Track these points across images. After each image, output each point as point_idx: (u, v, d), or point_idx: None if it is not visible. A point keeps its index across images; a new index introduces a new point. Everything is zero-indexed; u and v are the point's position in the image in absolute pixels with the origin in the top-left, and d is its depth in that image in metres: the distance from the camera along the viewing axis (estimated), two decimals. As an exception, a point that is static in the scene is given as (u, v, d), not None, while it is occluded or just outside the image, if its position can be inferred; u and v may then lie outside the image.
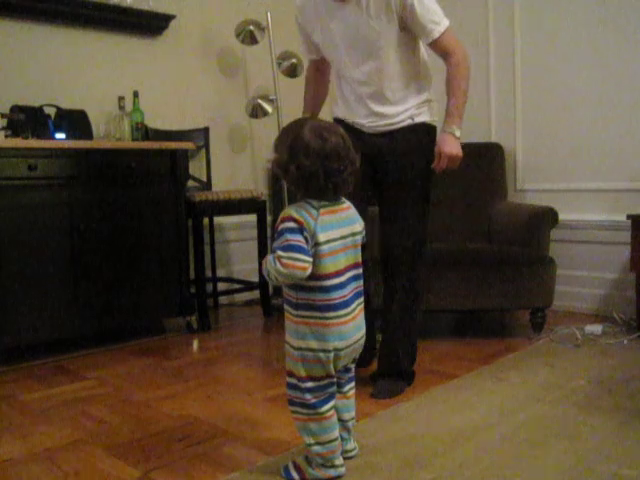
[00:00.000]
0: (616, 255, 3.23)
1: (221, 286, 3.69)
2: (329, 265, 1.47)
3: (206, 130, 3.65)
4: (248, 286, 3.60)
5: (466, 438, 1.78)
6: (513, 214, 3.18)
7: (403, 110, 2.17)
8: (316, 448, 1.51)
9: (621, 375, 2.31)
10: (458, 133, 2.11)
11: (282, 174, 1.51)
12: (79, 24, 3.23)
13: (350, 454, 1.64)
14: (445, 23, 2.06)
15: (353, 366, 1.63)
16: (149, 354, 2.80)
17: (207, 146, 3.65)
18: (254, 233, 3.54)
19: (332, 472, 1.53)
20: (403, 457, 1.66)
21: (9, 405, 2.19)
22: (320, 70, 2.37)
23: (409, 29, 2.07)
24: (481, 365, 2.48)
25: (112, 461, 1.71)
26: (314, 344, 1.48)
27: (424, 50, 2.21)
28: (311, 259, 1.44)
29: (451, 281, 2.81)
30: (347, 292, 1.51)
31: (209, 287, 3.49)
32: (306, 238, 1.44)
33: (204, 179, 3.62)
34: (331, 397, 1.54)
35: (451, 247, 3.03)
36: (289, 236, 1.43)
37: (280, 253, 1.43)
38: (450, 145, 2.09)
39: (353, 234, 1.55)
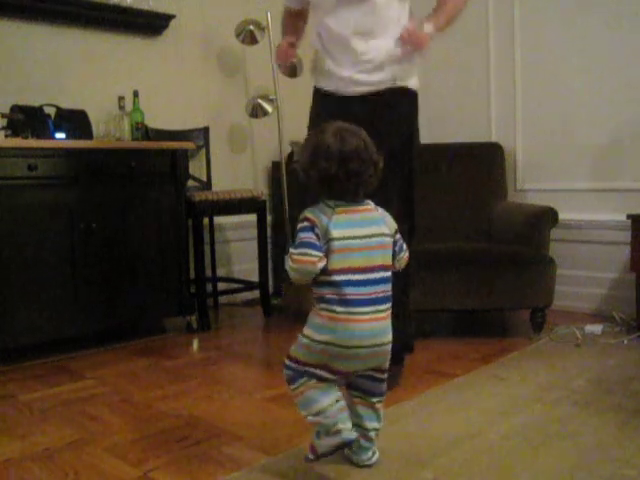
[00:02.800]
0: (616, 255, 3.23)
1: (221, 286, 3.68)
2: (339, 261, 1.48)
3: (206, 130, 3.65)
4: (248, 286, 3.60)
5: (466, 438, 1.78)
6: (513, 214, 3.18)
7: (389, 59, 2.15)
8: (310, 418, 1.52)
9: (621, 375, 2.31)
10: (429, 30, 2.12)
11: (305, 178, 1.55)
12: (79, 24, 3.23)
13: (368, 462, 1.60)
14: None
15: (383, 377, 1.59)
16: (149, 354, 2.80)
17: (207, 146, 3.65)
18: (254, 233, 3.54)
19: (338, 439, 1.49)
20: (403, 457, 1.66)
21: (9, 405, 2.18)
22: (297, 17, 2.41)
23: None
24: (481, 365, 2.48)
25: (112, 461, 1.71)
26: (325, 337, 1.48)
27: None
28: (322, 254, 1.46)
29: (451, 281, 2.81)
30: (365, 292, 1.49)
31: (209, 287, 3.49)
32: (317, 235, 1.47)
33: (204, 179, 3.62)
34: (314, 377, 1.52)
35: (451, 247, 3.03)
36: (301, 234, 1.48)
37: (292, 250, 1.48)
38: (417, 29, 2.09)
39: (380, 234, 1.54)
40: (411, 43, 2.11)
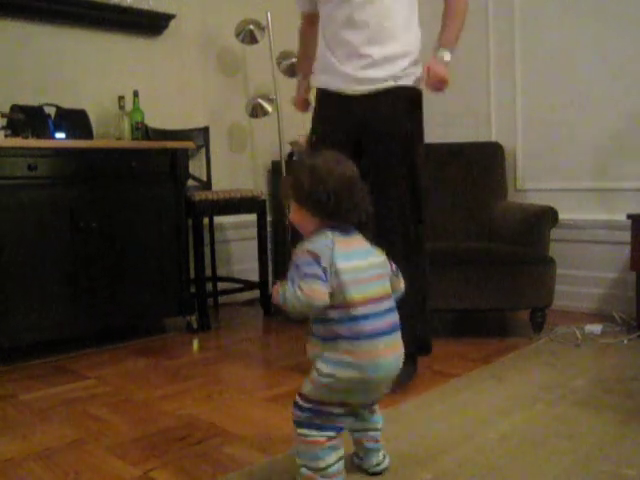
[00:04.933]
0: (616, 255, 3.23)
1: (221, 286, 3.68)
2: (353, 293, 1.41)
3: (206, 130, 3.65)
4: (248, 286, 3.60)
5: (466, 438, 1.78)
6: (513, 214, 3.18)
7: (390, 55, 2.15)
8: (305, 471, 1.45)
9: (621, 375, 2.31)
10: (448, 57, 2.11)
11: (305, 199, 1.47)
12: (79, 24, 3.23)
13: (379, 467, 1.56)
14: None
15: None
16: (149, 354, 2.80)
17: (207, 146, 3.65)
18: (254, 233, 3.54)
19: None
20: (403, 457, 1.66)
21: (9, 405, 2.19)
22: (314, 24, 2.39)
23: None
24: (481, 365, 2.49)
25: (112, 461, 1.71)
26: (350, 374, 1.41)
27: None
28: (328, 289, 1.39)
29: (451, 281, 2.81)
30: (380, 323, 1.43)
31: (209, 287, 3.49)
32: (324, 269, 1.40)
33: (204, 179, 3.63)
34: (326, 428, 1.46)
35: (451, 247, 3.03)
36: (306, 268, 1.40)
37: (301, 283, 1.39)
38: (438, 66, 2.07)
39: (378, 265, 1.49)
40: (433, 86, 2.08)
